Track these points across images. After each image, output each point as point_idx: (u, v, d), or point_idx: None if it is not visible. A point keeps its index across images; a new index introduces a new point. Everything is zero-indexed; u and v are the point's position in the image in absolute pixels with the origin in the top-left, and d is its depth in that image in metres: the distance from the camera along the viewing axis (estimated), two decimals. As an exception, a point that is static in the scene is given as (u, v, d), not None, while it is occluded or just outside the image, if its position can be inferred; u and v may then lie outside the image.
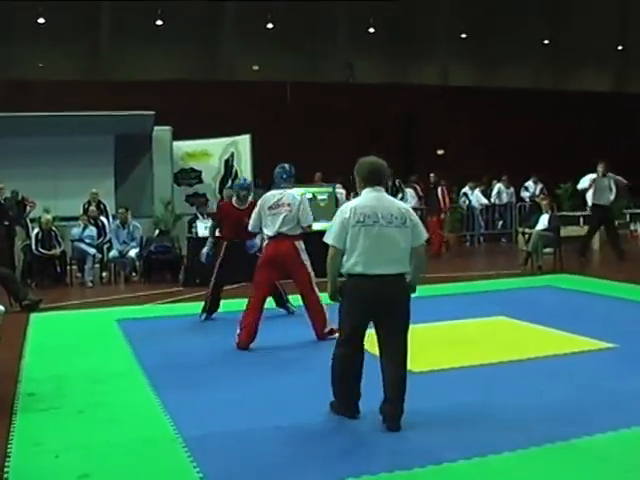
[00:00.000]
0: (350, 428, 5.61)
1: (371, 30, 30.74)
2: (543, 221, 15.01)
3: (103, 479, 4.81)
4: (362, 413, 5.79)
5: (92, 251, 14.69)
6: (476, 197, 22.10)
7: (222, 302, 10.30)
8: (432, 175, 19.63)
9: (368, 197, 5.74)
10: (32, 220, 15.45)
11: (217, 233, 10.27)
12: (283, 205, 8.57)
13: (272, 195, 8.72)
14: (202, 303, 10.43)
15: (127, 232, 14.99)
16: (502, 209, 22.27)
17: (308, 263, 8.53)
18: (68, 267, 14.91)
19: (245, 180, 9.98)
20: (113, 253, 14.87)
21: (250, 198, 10.01)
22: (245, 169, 18.76)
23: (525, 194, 22.17)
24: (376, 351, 5.80)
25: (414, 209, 18.95)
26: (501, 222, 22.31)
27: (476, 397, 6.26)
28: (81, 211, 15.82)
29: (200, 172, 19.12)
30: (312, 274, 8.51)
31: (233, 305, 10.26)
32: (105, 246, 15.23)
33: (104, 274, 15.17)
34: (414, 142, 27.91)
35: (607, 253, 16.96)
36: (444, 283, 13.17)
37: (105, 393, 6.69)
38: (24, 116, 16.41)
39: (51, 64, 27.08)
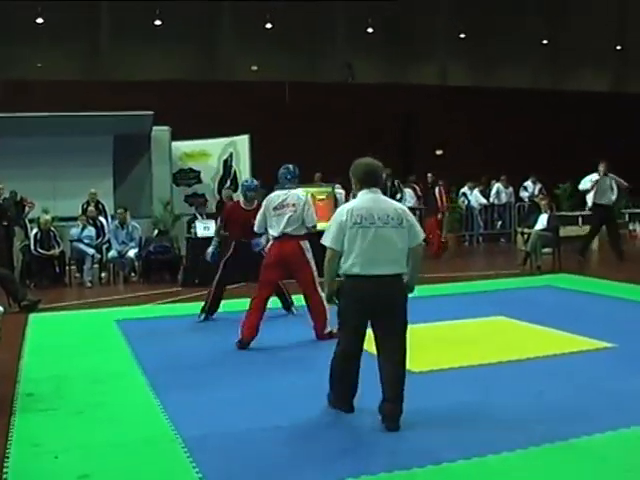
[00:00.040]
0: (349, 428, 5.62)
1: (370, 30, 30.77)
2: (542, 221, 15.01)
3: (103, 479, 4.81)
4: (362, 413, 5.80)
5: (91, 251, 14.69)
6: (475, 197, 22.10)
7: (222, 302, 10.29)
8: (429, 175, 19.64)
9: (364, 199, 5.77)
10: (31, 220, 15.44)
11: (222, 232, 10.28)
12: (288, 205, 8.59)
13: (277, 196, 8.73)
14: (201, 303, 10.42)
15: (126, 232, 14.98)
16: (501, 209, 22.27)
17: (312, 263, 8.50)
18: (67, 267, 14.90)
19: (252, 181, 9.97)
20: (112, 253, 14.86)
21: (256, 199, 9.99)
22: (244, 169, 18.75)
23: (524, 194, 22.17)
24: (375, 351, 5.80)
25: (413, 209, 18.95)
26: (500, 222, 22.31)
27: (475, 397, 6.26)
28: (80, 211, 15.81)
29: (199, 172, 19.12)
30: (316, 274, 8.50)
31: (233, 305, 10.28)
32: (104, 246, 15.22)
33: (103, 274, 15.16)
34: (412, 142, 27.91)
35: (606, 253, 16.97)
36: (443, 283, 13.18)
37: (104, 393, 6.69)
38: (23, 116, 16.41)
39: (50, 64, 27.10)
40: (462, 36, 31.78)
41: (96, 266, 15.04)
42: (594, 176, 15.98)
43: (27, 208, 15.61)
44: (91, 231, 15.14)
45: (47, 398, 6.56)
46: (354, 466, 4.81)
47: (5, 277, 11.68)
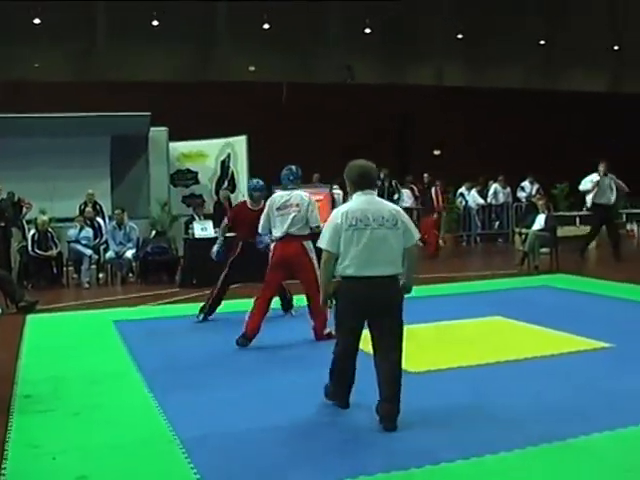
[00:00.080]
0: (347, 428, 5.62)
1: (367, 31, 30.77)
2: (539, 221, 15.02)
3: (100, 480, 4.82)
4: (359, 412, 5.82)
5: (88, 252, 14.68)
6: (473, 197, 22.12)
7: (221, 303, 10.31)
8: (426, 175, 19.65)
9: (359, 201, 5.80)
10: (28, 221, 15.43)
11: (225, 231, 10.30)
12: (291, 206, 8.63)
13: (280, 196, 8.77)
14: (199, 304, 10.42)
15: (123, 233, 14.98)
16: (498, 209, 22.29)
17: (315, 263, 8.50)
18: (64, 268, 14.90)
19: (258, 181, 9.97)
20: (109, 254, 14.85)
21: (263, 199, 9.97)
22: (241, 170, 18.76)
23: (521, 194, 22.19)
24: (371, 350, 5.83)
25: (410, 209, 18.95)
26: (498, 222, 22.32)
27: (473, 397, 6.27)
28: (77, 212, 15.81)
29: (196, 173, 19.12)
30: (319, 274, 8.51)
31: (231, 306, 10.29)
32: (101, 247, 15.21)
33: (100, 275, 15.16)
34: (409, 142, 27.90)
35: (603, 253, 16.98)
36: (441, 283, 13.18)
37: (102, 394, 6.69)
38: (20, 117, 16.40)
39: (47, 65, 27.06)
40: (459, 37, 31.78)
41: (94, 267, 15.04)
42: (595, 177, 15.98)
43: (25, 209, 15.59)
44: (89, 232, 15.13)
45: (45, 399, 6.56)
46: (352, 466, 4.81)
47: (3, 278, 11.68)
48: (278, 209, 8.65)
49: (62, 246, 14.82)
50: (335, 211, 5.94)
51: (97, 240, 15.25)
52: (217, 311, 10.28)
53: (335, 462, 4.95)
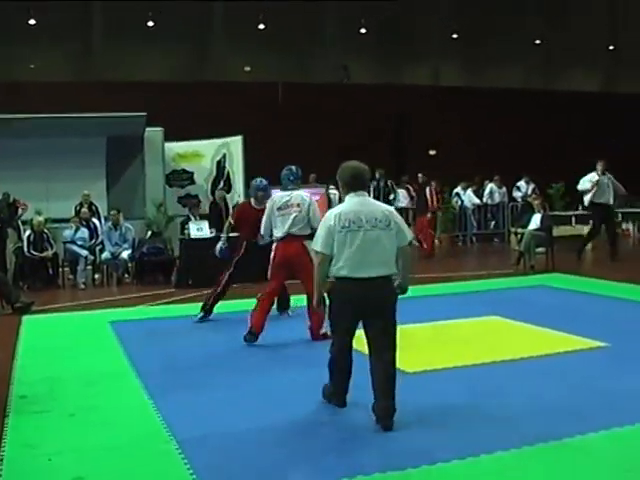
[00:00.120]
0: (344, 428, 5.62)
1: (362, 31, 30.77)
2: (535, 221, 15.03)
3: (97, 481, 4.82)
4: (356, 412, 5.83)
5: (84, 253, 14.67)
6: (468, 197, 22.14)
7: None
8: (420, 175, 19.65)
9: (352, 202, 5.83)
10: (24, 222, 15.42)
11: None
12: (292, 206, 8.66)
13: (280, 196, 8.80)
14: (195, 304, 10.41)
15: (119, 234, 14.97)
16: (494, 209, 22.30)
17: None
18: (60, 269, 14.89)
19: (261, 181, 9.96)
20: (105, 255, 14.84)
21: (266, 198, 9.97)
22: (237, 170, 18.74)
23: (517, 194, 22.20)
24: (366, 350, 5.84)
25: (406, 209, 18.95)
26: (493, 222, 22.33)
27: (469, 397, 6.27)
28: (73, 213, 15.79)
29: (192, 173, 19.11)
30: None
31: (227, 306, 10.29)
32: (97, 248, 15.18)
33: (96, 276, 15.14)
34: (405, 142, 27.94)
35: (599, 252, 16.99)
36: (437, 283, 13.19)
37: (98, 395, 6.68)
38: (15, 118, 16.37)
39: (43, 65, 27.04)
40: (454, 36, 31.79)
41: (89, 268, 15.01)
42: (594, 176, 15.94)
43: (20, 210, 15.58)
44: (84, 233, 15.12)
45: (41, 400, 6.55)
46: (349, 466, 4.81)
47: (-2, 279, 11.68)
48: (279, 209, 8.68)
49: (58, 247, 14.80)
50: (328, 213, 5.96)
51: (93, 241, 15.23)
52: (215, 311, 10.27)
53: (332, 462, 4.95)
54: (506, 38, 31.02)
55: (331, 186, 16.48)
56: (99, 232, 15.39)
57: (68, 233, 15.03)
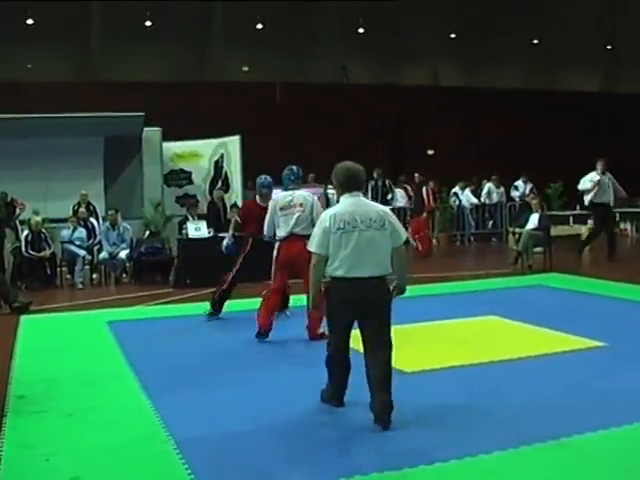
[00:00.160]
0: (341, 428, 5.62)
1: (361, 30, 30.76)
2: (533, 220, 15.03)
3: (94, 482, 4.81)
4: (354, 412, 5.83)
5: (82, 253, 14.66)
6: (466, 197, 22.16)
7: (205, 304, 10.34)
8: (417, 175, 19.65)
9: (346, 203, 5.88)
10: (22, 222, 15.42)
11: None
12: (295, 205, 8.71)
13: (283, 196, 8.86)
14: (193, 304, 10.41)
15: (117, 234, 14.96)
16: (492, 209, 22.32)
17: None
18: (58, 269, 14.88)
19: (266, 178, 10.00)
20: (103, 255, 14.83)
21: (272, 195, 9.98)
22: (235, 170, 18.75)
23: (515, 193, 22.23)
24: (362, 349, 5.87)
25: (404, 209, 18.95)
26: (491, 222, 22.36)
27: (467, 397, 6.27)
28: (71, 213, 15.79)
29: (190, 173, 19.11)
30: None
31: (224, 307, 10.27)
32: (95, 248, 15.18)
33: (94, 276, 15.14)
34: (404, 142, 27.95)
35: (597, 252, 16.99)
36: (435, 283, 13.20)
37: (96, 395, 6.67)
38: (13, 118, 16.36)
39: (41, 65, 27.03)
40: (453, 36, 31.80)
41: (87, 267, 15.02)
42: (594, 176, 15.88)
43: (18, 210, 15.58)
44: (82, 232, 15.11)
45: (38, 400, 6.54)
46: (346, 466, 4.81)
47: (-4, 279, 11.67)
48: (282, 209, 8.74)
49: (55, 247, 14.80)
50: (324, 214, 6.01)
51: (91, 241, 15.23)
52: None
53: (330, 462, 4.95)
54: (504, 38, 31.03)
55: (329, 186, 16.48)
56: (97, 232, 15.39)
57: (66, 233, 15.03)
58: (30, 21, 26.77)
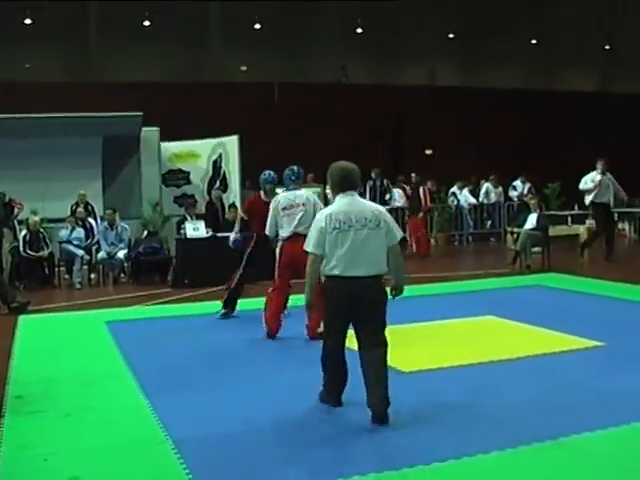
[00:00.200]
0: (339, 428, 5.62)
1: (359, 30, 30.75)
2: (531, 220, 15.04)
3: (92, 482, 4.81)
4: (351, 413, 5.83)
5: (80, 253, 14.65)
6: (464, 197, 22.16)
7: (203, 304, 10.34)
8: (413, 175, 19.65)
9: (342, 203, 5.91)
10: (20, 222, 15.39)
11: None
12: (297, 205, 8.78)
13: (284, 197, 8.93)
14: (192, 304, 10.40)
15: (115, 233, 14.96)
16: (490, 208, 22.31)
17: None
18: (56, 269, 14.87)
19: (270, 174, 10.03)
20: (101, 254, 14.83)
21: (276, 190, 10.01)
22: (233, 170, 18.73)
23: (513, 193, 22.23)
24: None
25: (402, 209, 18.94)
26: (489, 221, 22.35)
27: (465, 397, 6.27)
28: (69, 213, 15.78)
29: (188, 173, 19.10)
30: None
31: (220, 306, 10.27)
32: (93, 248, 15.19)
33: (92, 276, 15.13)
34: (402, 142, 27.95)
35: (595, 252, 16.98)
36: (433, 283, 13.20)
37: (94, 395, 6.67)
38: (11, 117, 16.33)
39: (39, 65, 26.98)
40: (451, 36, 31.79)
41: (85, 267, 15.02)
42: (596, 176, 15.84)
43: (16, 209, 15.55)
44: (80, 232, 15.11)
45: (36, 400, 6.54)
46: (344, 467, 4.81)
47: (-6, 279, 11.67)
48: (284, 209, 8.80)
49: (54, 247, 14.80)
50: (319, 214, 6.08)
51: (89, 241, 15.22)
52: (212, 311, 10.31)
53: (328, 462, 4.95)
54: (503, 38, 31.00)
55: (328, 185, 16.47)
56: (95, 232, 15.39)
57: (64, 233, 15.02)
58: (28, 21, 26.73)
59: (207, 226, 14.41)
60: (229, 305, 10.25)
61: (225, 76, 28.33)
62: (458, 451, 4.96)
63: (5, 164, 16.04)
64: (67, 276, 14.91)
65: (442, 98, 28.54)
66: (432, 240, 20.67)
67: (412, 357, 7.51)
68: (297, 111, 26.12)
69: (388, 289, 5.96)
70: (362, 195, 6.08)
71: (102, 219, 15.81)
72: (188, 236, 14.05)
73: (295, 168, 9.13)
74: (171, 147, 18.87)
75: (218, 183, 18.74)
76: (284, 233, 8.73)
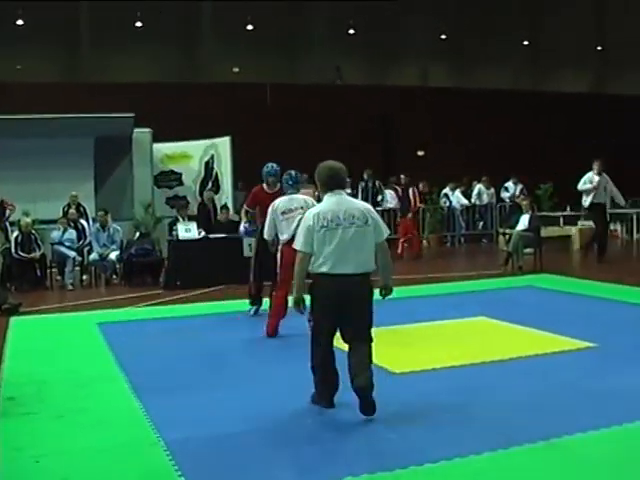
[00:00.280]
0: (332, 429, 5.62)
1: (351, 32, 30.76)
2: (523, 221, 15.06)
3: (84, 484, 4.80)
4: (343, 414, 5.82)
5: (72, 254, 14.63)
6: (457, 198, 22.20)
7: (195, 305, 10.34)
8: (403, 176, 19.68)
9: (330, 202, 5.98)
10: (12, 223, 15.37)
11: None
12: (296, 209, 8.84)
13: (282, 201, 8.99)
14: (184, 305, 10.40)
15: (107, 235, 14.94)
16: (482, 210, 22.36)
17: None
18: (48, 270, 14.84)
19: (273, 166, 10.10)
20: (93, 256, 14.80)
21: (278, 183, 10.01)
22: (225, 171, 18.75)
23: (505, 194, 22.28)
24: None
25: (394, 210, 18.97)
26: (482, 223, 22.40)
27: (457, 398, 6.27)
28: (61, 214, 15.75)
29: (180, 174, 19.11)
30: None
31: (216, 307, 10.28)
32: (85, 249, 15.16)
33: (84, 277, 15.10)
34: (394, 143, 27.96)
35: (587, 253, 17.01)
36: (425, 284, 13.21)
37: (86, 397, 6.65)
38: (2, 119, 16.30)
39: (30, 66, 26.92)
40: (443, 37, 31.82)
41: (77, 269, 14.99)
42: (593, 177, 15.86)
43: (8, 211, 15.53)
44: (72, 234, 15.09)
45: (28, 402, 6.52)
46: (337, 468, 4.80)
47: (-15, 281, 11.64)
48: (283, 213, 8.87)
49: (46, 248, 14.77)
50: (308, 213, 6.13)
51: (81, 242, 15.20)
52: (204, 313, 10.33)
53: (320, 464, 4.95)
54: (494, 39, 31.06)
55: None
56: (87, 233, 15.37)
57: (56, 234, 14.99)
58: (20, 22, 26.67)
59: (199, 227, 14.41)
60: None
61: (217, 77, 28.31)
62: (450, 452, 4.96)
63: (-4, 165, 16.03)
64: (59, 277, 14.88)
65: (434, 99, 28.56)
66: (424, 241, 20.70)
67: (404, 358, 7.51)
68: (289, 112, 26.11)
69: (377, 290, 5.99)
70: (354, 196, 6.10)
71: (94, 220, 15.79)
72: (180, 237, 14.05)
73: (293, 173, 9.21)
74: (163, 148, 18.87)
75: (210, 184, 18.75)
76: (284, 237, 8.78)
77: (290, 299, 9.95)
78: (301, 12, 29.25)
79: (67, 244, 14.83)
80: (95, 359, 8.24)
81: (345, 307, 5.80)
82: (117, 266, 14.93)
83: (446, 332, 9.08)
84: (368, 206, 6.17)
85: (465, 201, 22.25)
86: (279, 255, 8.88)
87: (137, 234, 15.78)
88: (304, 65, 30.10)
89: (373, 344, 5.88)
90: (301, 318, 8.58)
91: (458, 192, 22.30)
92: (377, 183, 20.94)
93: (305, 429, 5.66)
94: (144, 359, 8.14)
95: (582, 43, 32.07)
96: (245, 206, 10.55)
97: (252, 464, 4.98)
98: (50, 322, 10.84)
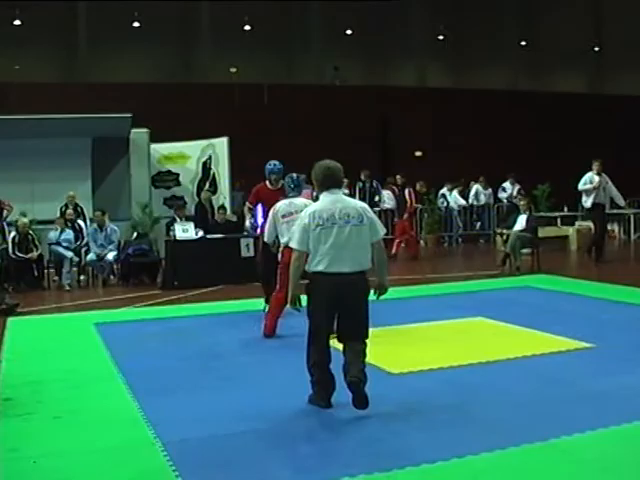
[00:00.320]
0: (329, 430, 5.62)
1: (348, 32, 30.76)
2: (521, 222, 15.07)
3: (81, 484, 4.79)
4: (340, 415, 5.82)
5: (69, 254, 14.61)
6: (454, 198, 22.20)
7: (192, 305, 10.34)
8: (398, 177, 19.68)
9: (326, 201, 6.02)
10: (9, 224, 15.34)
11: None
12: (297, 212, 8.79)
13: (283, 204, 9.02)
14: (181, 305, 10.40)
15: (104, 235, 14.92)
16: (480, 210, 22.38)
17: None
18: (45, 271, 14.84)
19: (275, 164, 10.17)
20: (91, 256, 14.78)
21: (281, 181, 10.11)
22: (223, 172, 18.74)
23: (502, 195, 22.27)
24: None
25: (391, 211, 18.96)
26: (479, 223, 22.41)
27: (454, 398, 6.27)
28: (58, 214, 15.74)
29: (178, 175, 19.10)
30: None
31: (212, 308, 10.27)
32: (82, 249, 15.15)
33: (82, 277, 15.09)
34: (392, 144, 27.97)
35: (585, 253, 17.01)
36: (422, 284, 13.21)
37: (83, 398, 6.65)
38: (0, 119, 16.28)
39: (27, 66, 26.91)
40: (440, 38, 31.84)
41: (75, 269, 14.97)
42: (593, 178, 15.86)
43: (5, 211, 15.50)
44: (69, 234, 15.08)
45: (25, 403, 6.51)
46: (334, 469, 4.80)
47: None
48: (283, 216, 8.90)
49: (43, 248, 14.75)
50: (303, 211, 6.17)
51: (78, 242, 15.19)
52: (201, 313, 10.31)
53: (318, 464, 4.95)
54: (492, 40, 31.09)
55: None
56: (84, 233, 15.36)
57: (53, 234, 14.98)
58: (18, 22, 26.66)
59: (196, 228, 14.41)
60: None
61: (215, 77, 28.31)
62: (447, 452, 4.96)
63: (-6, 166, 16.01)
64: (56, 278, 14.86)
65: (432, 100, 28.58)
66: (421, 241, 20.70)
67: (401, 358, 7.51)
68: (286, 112, 26.12)
69: (372, 290, 6.00)
70: (352, 197, 6.11)
71: (91, 221, 15.78)
72: (177, 238, 14.04)
73: (294, 176, 9.26)
74: (160, 149, 18.86)
75: (207, 185, 18.74)
76: (285, 239, 8.77)
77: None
78: (299, 12, 29.23)
79: (64, 244, 14.82)
80: (92, 359, 8.23)
81: (341, 306, 5.83)
82: (114, 266, 14.93)
83: (444, 332, 9.07)
84: (364, 205, 6.19)
85: (462, 201, 22.26)
86: (280, 257, 8.89)
87: (134, 234, 15.78)
88: (302, 65, 30.11)
89: (367, 341, 5.91)
90: (299, 318, 8.66)
91: (455, 192, 22.31)
92: (374, 184, 20.93)
93: (302, 429, 5.66)
94: (141, 359, 8.13)
95: (580, 43, 32.11)
96: (248, 203, 10.65)
97: (249, 464, 4.98)
98: (47, 322, 10.83)
